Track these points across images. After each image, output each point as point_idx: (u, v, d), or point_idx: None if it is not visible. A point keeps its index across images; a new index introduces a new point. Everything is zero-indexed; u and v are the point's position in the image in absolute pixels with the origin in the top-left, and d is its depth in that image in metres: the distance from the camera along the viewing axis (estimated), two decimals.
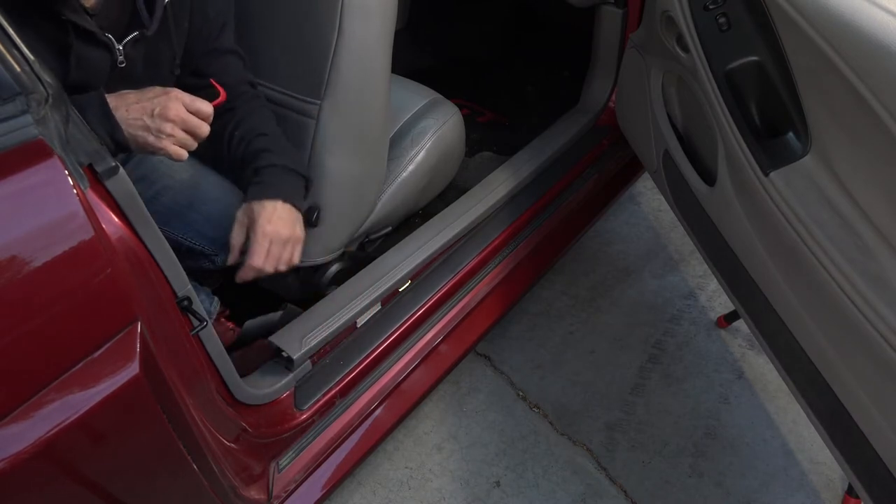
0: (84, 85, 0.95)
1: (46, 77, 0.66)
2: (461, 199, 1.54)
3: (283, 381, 1.19)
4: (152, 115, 0.92)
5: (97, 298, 0.68)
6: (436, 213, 1.51)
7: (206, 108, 0.97)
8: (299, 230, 1.15)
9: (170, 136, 0.93)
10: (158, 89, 0.95)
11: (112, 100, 0.92)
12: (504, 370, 1.76)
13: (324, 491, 1.31)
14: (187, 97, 0.95)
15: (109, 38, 0.96)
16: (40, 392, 0.66)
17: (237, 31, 1.27)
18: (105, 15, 0.96)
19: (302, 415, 1.21)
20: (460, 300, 1.52)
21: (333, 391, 1.26)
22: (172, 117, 0.92)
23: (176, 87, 0.98)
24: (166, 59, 1.08)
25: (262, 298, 1.43)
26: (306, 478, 1.29)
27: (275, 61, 1.25)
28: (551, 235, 1.72)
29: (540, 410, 1.68)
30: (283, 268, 1.14)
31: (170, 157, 0.95)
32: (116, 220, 0.75)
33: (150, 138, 0.93)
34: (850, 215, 0.96)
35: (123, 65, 0.99)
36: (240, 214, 1.12)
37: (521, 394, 1.71)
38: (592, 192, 1.82)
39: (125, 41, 0.98)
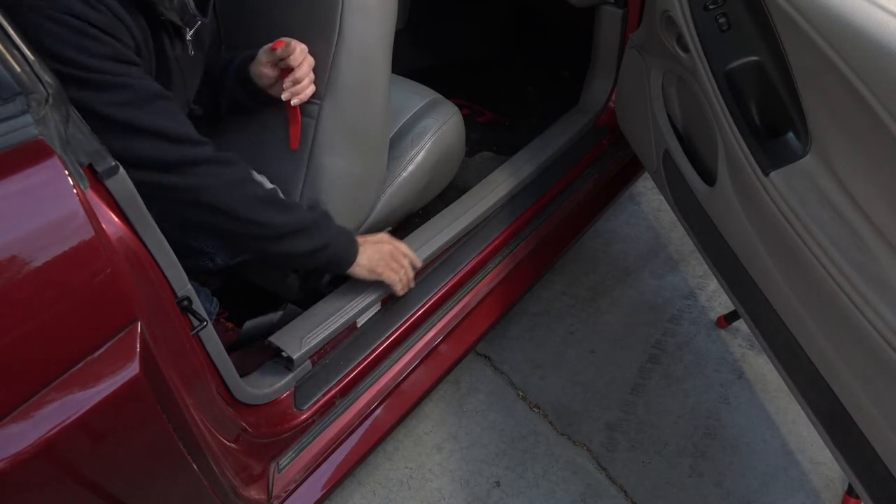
0: (180, 86, 1.04)
1: (46, 77, 0.66)
2: (461, 198, 1.54)
3: (283, 381, 1.19)
4: (379, 251, 1.27)
5: (97, 298, 0.68)
6: (436, 214, 1.51)
7: (404, 246, 1.33)
8: None
9: (393, 277, 1.29)
10: (375, 236, 1.30)
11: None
12: (504, 370, 1.76)
13: (324, 491, 1.31)
14: (393, 241, 1.32)
15: (185, 30, 1.02)
16: (40, 392, 0.66)
17: (237, 32, 1.27)
18: (176, 8, 1.00)
19: (302, 415, 1.21)
20: (460, 300, 1.52)
21: (333, 391, 1.26)
22: (391, 250, 1.29)
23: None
24: (214, 41, 1.16)
25: (262, 298, 1.43)
26: (306, 478, 1.29)
27: None
28: (551, 235, 1.72)
29: (540, 410, 1.68)
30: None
31: (395, 285, 1.30)
32: (116, 220, 0.75)
33: (382, 270, 1.27)
34: (850, 215, 0.96)
35: (192, 53, 1.06)
36: (262, 56, 1.17)
37: (521, 394, 1.71)
38: (592, 192, 1.82)
39: (191, 32, 1.03)
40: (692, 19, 1.17)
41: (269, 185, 1.18)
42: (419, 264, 1.36)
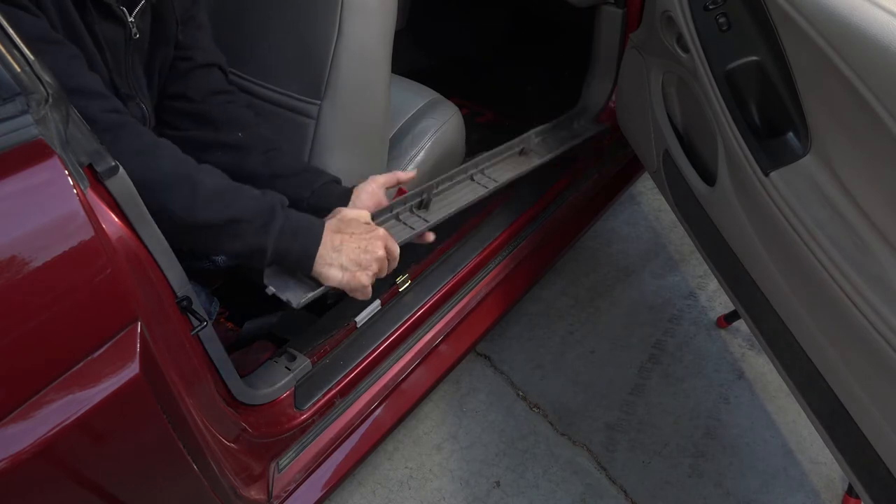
0: (99, 63, 0.95)
1: (46, 77, 0.66)
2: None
3: (283, 381, 1.19)
4: (365, 251, 1.01)
5: (97, 298, 0.68)
6: None
7: (397, 248, 1.06)
8: None
9: (373, 273, 1.02)
10: (364, 227, 1.03)
11: (329, 235, 0.99)
12: (504, 370, 1.76)
13: (324, 491, 1.31)
14: (388, 238, 1.05)
15: (123, 11, 0.96)
16: (40, 392, 0.66)
17: (236, 33, 1.27)
18: None
19: (302, 415, 1.21)
20: (460, 300, 1.52)
21: (333, 391, 1.26)
22: (380, 256, 1.02)
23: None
24: (170, 27, 1.07)
25: (262, 298, 1.43)
26: (306, 478, 1.29)
27: (274, 62, 1.25)
28: (551, 235, 1.72)
29: (540, 410, 1.68)
30: None
31: (363, 291, 1.03)
32: (116, 220, 0.75)
33: (359, 273, 1.00)
34: (850, 215, 0.96)
35: (137, 37, 0.99)
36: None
37: (521, 394, 1.71)
38: (592, 192, 1.82)
39: (135, 12, 0.97)
40: (692, 19, 1.17)
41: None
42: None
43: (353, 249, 1.00)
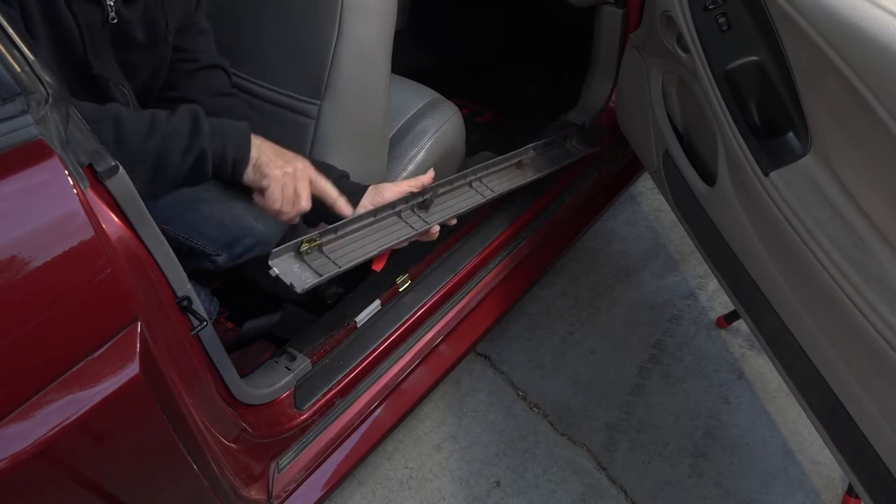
0: (76, 41, 0.95)
1: (46, 77, 0.66)
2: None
3: (283, 382, 1.19)
4: (281, 160, 1.06)
5: (97, 298, 0.68)
6: None
7: (308, 195, 1.08)
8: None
9: (279, 177, 1.04)
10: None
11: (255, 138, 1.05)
12: (504, 370, 1.76)
13: (324, 491, 1.31)
14: (314, 175, 1.09)
15: None
16: (40, 392, 0.66)
17: (235, 33, 1.27)
18: None
19: (302, 415, 1.21)
20: (460, 300, 1.52)
21: (333, 391, 1.26)
22: (290, 170, 1.06)
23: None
24: (161, 25, 1.07)
25: (262, 298, 1.43)
26: (306, 478, 1.29)
27: (274, 62, 1.25)
28: (551, 235, 1.72)
29: (540, 410, 1.68)
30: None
31: (270, 195, 1.05)
32: (116, 220, 0.75)
33: (272, 170, 1.04)
34: (850, 215, 0.96)
35: (115, 21, 0.99)
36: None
37: (521, 394, 1.71)
38: (592, 192, 1.82)
39: None
40: (692, 19, 1.17)
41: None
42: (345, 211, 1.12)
43: (272, 150, 1.06)
